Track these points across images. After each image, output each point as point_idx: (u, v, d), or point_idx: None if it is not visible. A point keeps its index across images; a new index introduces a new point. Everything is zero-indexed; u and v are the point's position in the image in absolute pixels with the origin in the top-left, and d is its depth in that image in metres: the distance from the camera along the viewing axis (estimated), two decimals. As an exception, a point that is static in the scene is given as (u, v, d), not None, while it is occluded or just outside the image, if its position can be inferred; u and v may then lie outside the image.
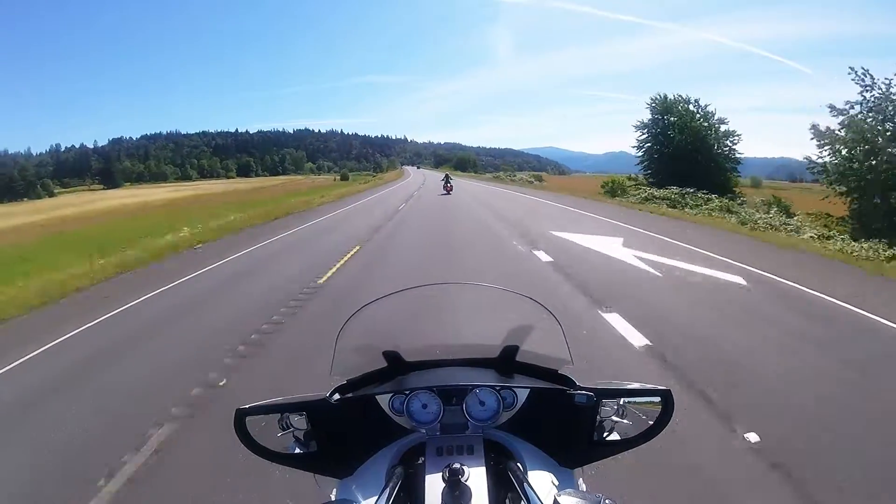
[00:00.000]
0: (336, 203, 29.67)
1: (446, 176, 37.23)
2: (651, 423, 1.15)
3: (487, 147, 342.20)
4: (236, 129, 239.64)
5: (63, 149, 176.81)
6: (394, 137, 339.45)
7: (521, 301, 1.37)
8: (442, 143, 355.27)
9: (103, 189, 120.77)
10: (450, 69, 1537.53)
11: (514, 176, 57.63)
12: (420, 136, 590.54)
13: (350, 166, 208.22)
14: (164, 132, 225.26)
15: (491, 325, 1.43)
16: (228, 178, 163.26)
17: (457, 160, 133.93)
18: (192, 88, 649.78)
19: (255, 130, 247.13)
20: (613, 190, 27.77)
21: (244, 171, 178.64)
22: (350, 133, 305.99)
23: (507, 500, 0.98)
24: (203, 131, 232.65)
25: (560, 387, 1.20)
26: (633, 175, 32.93)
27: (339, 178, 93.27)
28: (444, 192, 32.18)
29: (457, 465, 0.88)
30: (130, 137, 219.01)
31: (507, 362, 1.32)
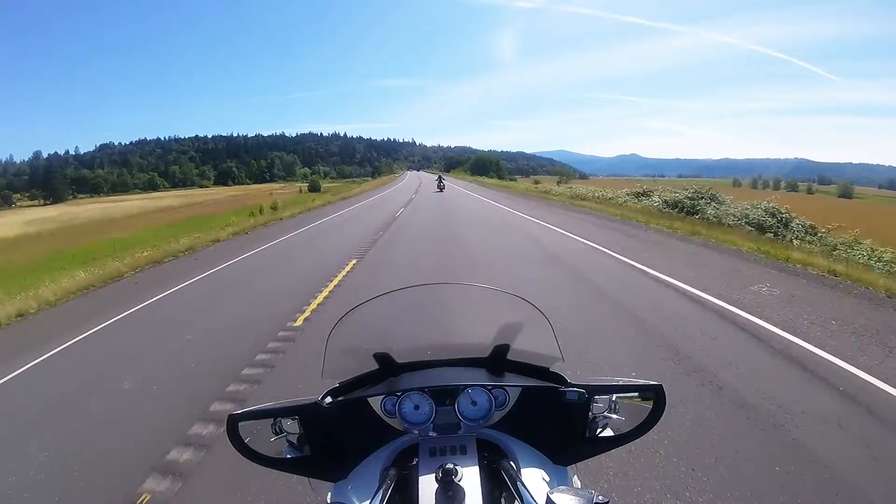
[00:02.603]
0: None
1: (439, 177, 44.51)
2: (643, 417, 1.14)
3: (499, 151, 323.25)
4: (231, 133, 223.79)
5: (45, 156, 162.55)
6: (401, 140, 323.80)
7: (511, 300, 1.34)
8: (452, 146, 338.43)
9: (36, 205, 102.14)
10: (460, 73, 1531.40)
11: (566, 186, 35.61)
12: (429, 140, 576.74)
13: (348, 171, 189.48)
14: (156, 138, 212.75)
15: (481, 324, 1.39)
16: (202, 186, 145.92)
17: (474, 162, 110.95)
18: (203, 93, 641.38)
19: (254, 134, 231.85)
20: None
21: (224, 179, 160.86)
22: (354, 136, 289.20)
23: (501, 499, 0.98)
24: (196, 136, 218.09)
25: (551, 384, 1.19)
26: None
27: (308, 187, 73.32)
28: (437, 190, 35.74)
29: (450, 466, 0.89)
30: (120, 143, 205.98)
31: (498, 361, 1.29)
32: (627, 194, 21.34)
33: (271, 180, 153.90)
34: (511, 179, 75.17)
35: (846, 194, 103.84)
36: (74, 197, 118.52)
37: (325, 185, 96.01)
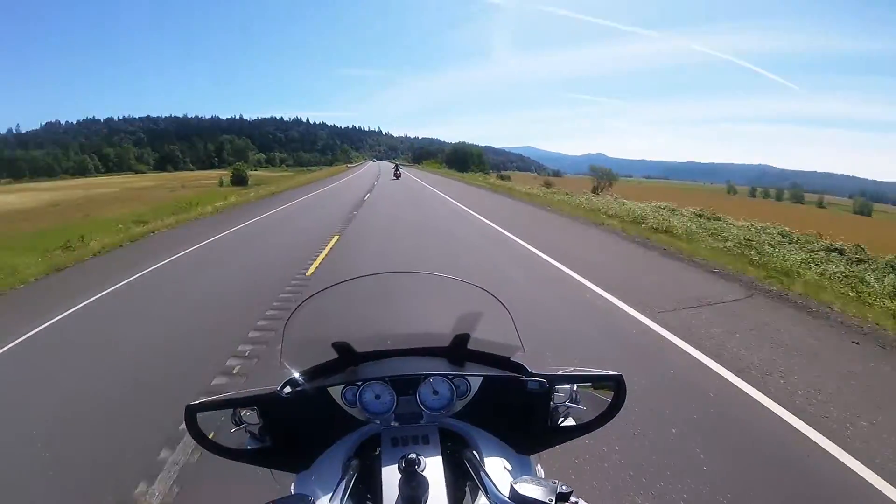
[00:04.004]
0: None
1: (396, 165, 50.28)
2: (604, 407, 1.15)
3: (467, 144, 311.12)
4: (184, 115, 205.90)
5: None
6: (366, 129, 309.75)
7: (470, 289, 1.32)
8: (420, 137, 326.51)
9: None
10: (429, 66, 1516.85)
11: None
12: (396, 130, 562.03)
13: (307, 159, 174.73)
14: (108, 117, 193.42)
15: (441, 313, 1.39)
16: (137, 171, 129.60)
17: (451, 154, 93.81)
18: (162, 71, 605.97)
19: (210, 116, 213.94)
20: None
21: (164, 164, 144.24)
22: (317, 122, 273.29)
23: (464, 489, 0.97)
24: (148, 116, 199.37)
25: (512, 374, 1.19)
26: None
27: (230, 177, 53.81)
28: (394, 177, 39.08)
29: (412, 456, 0.87)
30: (67, 121, 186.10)
31: (458, 351, 1.29)
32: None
33: (219, 166, 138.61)
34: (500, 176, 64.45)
35: (864, 210, 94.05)
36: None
37: (268, 174, 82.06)
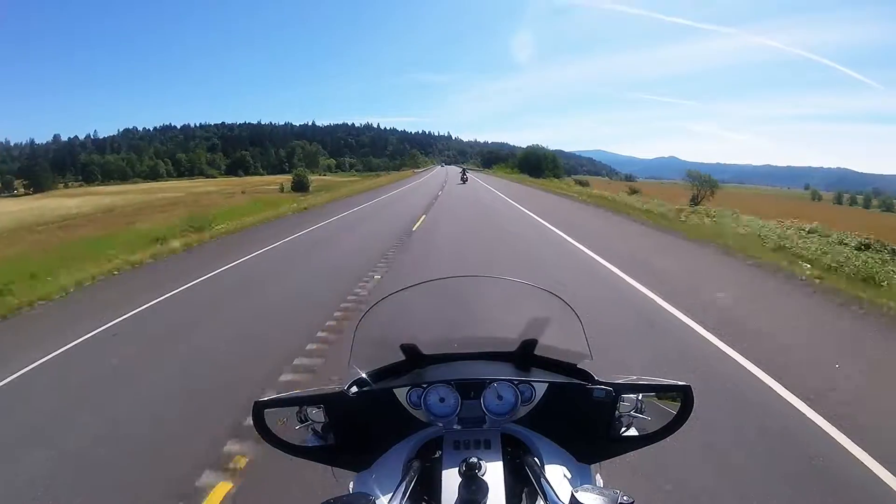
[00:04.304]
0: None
1: (463, 170, 49.34)
2: (670, 418, 1.11)
3: (540, 147, 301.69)
4: (258, 122, 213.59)
5: (67, 139, 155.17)
6: (436, 134, 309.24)
7: (541, 294, 1.32)
8: (489, 142, 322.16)
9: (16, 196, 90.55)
10: (496, 69, 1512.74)
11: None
12: (465, 135, 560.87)
13: (376, 164, 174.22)
14: (184, 124, 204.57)
15: (509, 318, 1.37)
16: (209, 176, 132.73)
17: (523, 157, 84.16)
18: (238, 81, 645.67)
19: (283, 122, 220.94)
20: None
21: (236, 168, 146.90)
22: (388, 128, 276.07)
23: (523, 495, 0.96)
24: (223, 123, 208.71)
25: (579, 381, 1.17)
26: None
27: (291, 183, 52.18)
28: (461, 181, 38.31)
29: (474, 460, 0.86)
30: (145, 128, 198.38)
31: (525, 356, 1.28)
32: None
33: (289, 171, 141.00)
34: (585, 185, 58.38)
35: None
36: (66, 186, 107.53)
37: (336, 179, 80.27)
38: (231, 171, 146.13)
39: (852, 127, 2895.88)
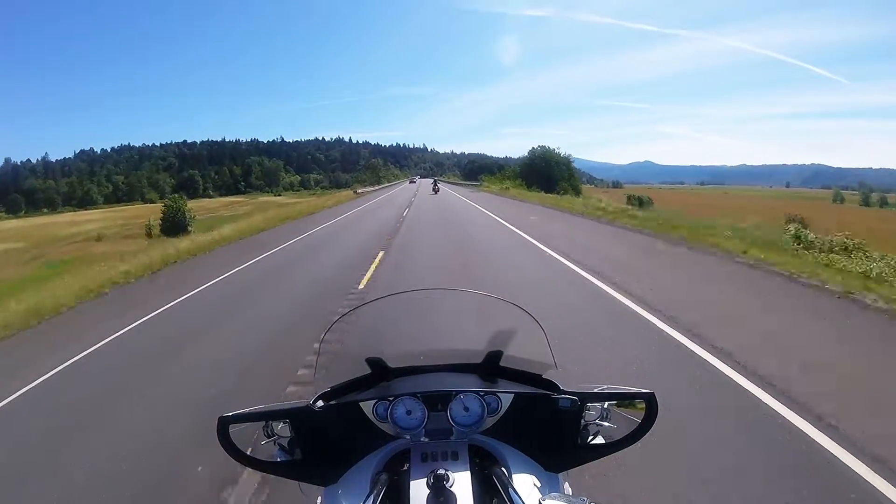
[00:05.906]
0: None
1: (434, 181, 49.14)
2: (635, 425, 1.13)
3: (515, 157, 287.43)
4: (223, 138, 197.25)
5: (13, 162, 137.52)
6: (411, 146, 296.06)
7: (505, 306, 1.34)
8: (466, 152, 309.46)
9: None
10: (471, 81, 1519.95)
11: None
12: (442, 147, 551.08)
13: (345, 179, 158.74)
14: (142, 144, 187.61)
15: (474, 330, 1.39)
16: (146, 201, 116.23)
17: (527, 165, 59.56)
18: (203, 98, 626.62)
19: (250, 139, 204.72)
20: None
21: (183, 190, 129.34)
22: (360, 142, 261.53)
23: None
24: (184, 141, 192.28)
25: (544, 391, 1.18)
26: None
27: (161, 219, 32.05)
28: (433, 192, 38.68)
29: (441, 471, 0.88)
30: (103, 149, 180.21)
31: (491, 367, 1.29)
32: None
33: (247, 190, 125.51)
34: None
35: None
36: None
37: (282, 199, 62.91)
38: (178, 192, 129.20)
39: (825, 123, 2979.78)
